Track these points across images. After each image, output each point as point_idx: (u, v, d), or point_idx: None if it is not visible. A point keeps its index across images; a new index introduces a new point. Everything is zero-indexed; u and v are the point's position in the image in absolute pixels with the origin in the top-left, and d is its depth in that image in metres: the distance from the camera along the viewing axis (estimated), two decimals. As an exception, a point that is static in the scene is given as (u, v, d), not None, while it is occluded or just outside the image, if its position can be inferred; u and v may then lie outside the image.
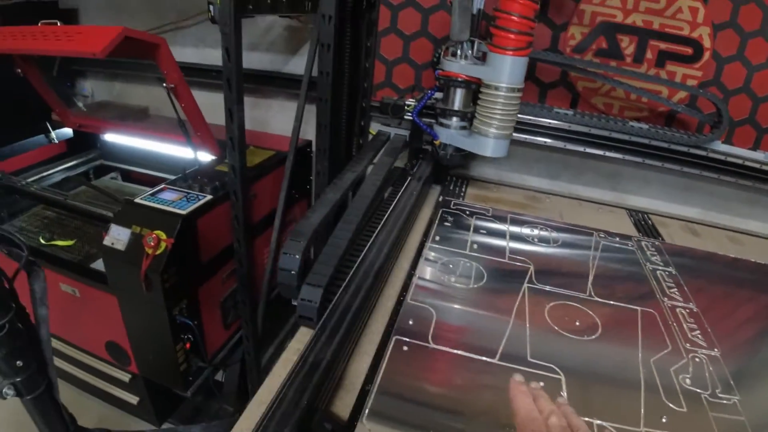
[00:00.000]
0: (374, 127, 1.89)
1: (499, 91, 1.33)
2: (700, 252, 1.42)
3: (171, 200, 1.57)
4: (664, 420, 0.83)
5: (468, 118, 1.45)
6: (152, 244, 1.41)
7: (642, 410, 0.84)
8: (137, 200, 1.54)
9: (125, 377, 1.76)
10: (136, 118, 2.34)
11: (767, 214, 1.88)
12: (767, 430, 0.84)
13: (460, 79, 1.40)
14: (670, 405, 0.87)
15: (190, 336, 1.58)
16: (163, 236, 1.43)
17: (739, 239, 1.72)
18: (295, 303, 1.00)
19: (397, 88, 1.95)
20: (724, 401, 0.90)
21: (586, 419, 0.80)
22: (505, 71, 1.30)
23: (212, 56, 2.18)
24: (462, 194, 1.63)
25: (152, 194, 1.59)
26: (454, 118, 1.46)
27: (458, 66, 1.39)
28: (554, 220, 1.46)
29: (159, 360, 1.62)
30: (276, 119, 2.30)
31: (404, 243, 1.26)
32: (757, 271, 1.39)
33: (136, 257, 1.42)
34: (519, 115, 1.56)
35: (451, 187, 1.68)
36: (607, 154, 1.67)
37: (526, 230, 1.37)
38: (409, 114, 1.58)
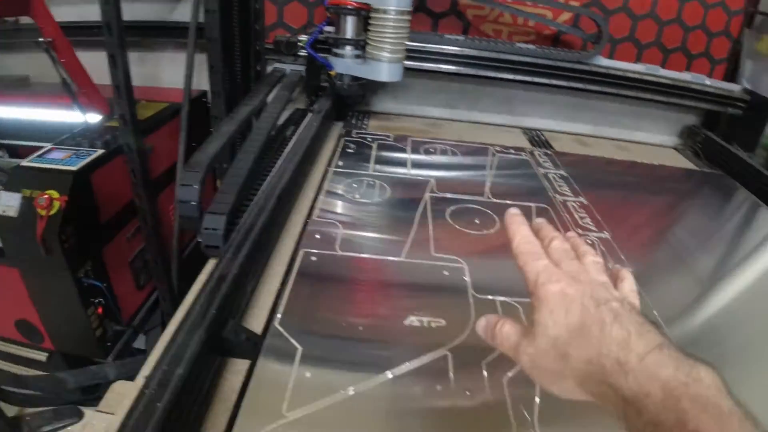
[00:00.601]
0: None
1: (388, 14, 1.34)
2: (587, 157, 1.53)
3: (60, 159, 1.48)
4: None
5: (361, 46, 1.44)
6: (44, 204, 1.33)
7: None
8: (24, 163, 1.44)
9: (41, 356, 1.66)
10: (17, 88, 2.14)
11: (652, 125, 2.03)
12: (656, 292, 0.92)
13: (349, 6, 1.39)
14: (563, 278, 0.92)
15: (100, 299, 1.51)
16: (56, 195, 1.36)
17: (626, 147, 1.86)
18: (200, 239, 0.97)
19: (290, 27, 1.90)
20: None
21: (489, 297, 0.86)
22: (392, -6, 1.30)
23: (90, 11, 2.02)
24: (364, 126, 1.64)
25: (40, 156, 1.49)
26: (348, 47, 1.45)
27: (346, -7, 1.37)
28: (453, 140, 1.50)
29: (72, 329, 1.54)
30: (167, 72, 2.19)
31: (308, 174, 1.26)
32: (638, 168, 1.57)
33: (30, 222, 1.33)
34: (413, 43, 1.58)
35: (354, 122, 1.68)
36: (499, 75, 1.72)
37: (426, 149, 1.41)
38: (304, 49, 1.55)
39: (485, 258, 0.96)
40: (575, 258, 0.46)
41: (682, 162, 1.81)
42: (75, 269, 1.41)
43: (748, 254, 1.15)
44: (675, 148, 1.99)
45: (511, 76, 1.73)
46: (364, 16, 1.43)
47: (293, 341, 0.71)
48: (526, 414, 0.64)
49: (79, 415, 0.79)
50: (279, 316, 0.77)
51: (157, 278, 1.73)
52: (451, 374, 0.69)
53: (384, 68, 1.39)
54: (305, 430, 0.59)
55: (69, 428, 0.78)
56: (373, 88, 1.87)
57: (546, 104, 1.99)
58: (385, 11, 1.34)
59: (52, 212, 1.34)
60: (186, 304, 0.77)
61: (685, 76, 1.87)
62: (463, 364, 0.71)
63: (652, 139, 2.04)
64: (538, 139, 1.75)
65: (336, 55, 1.50)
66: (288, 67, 1.69)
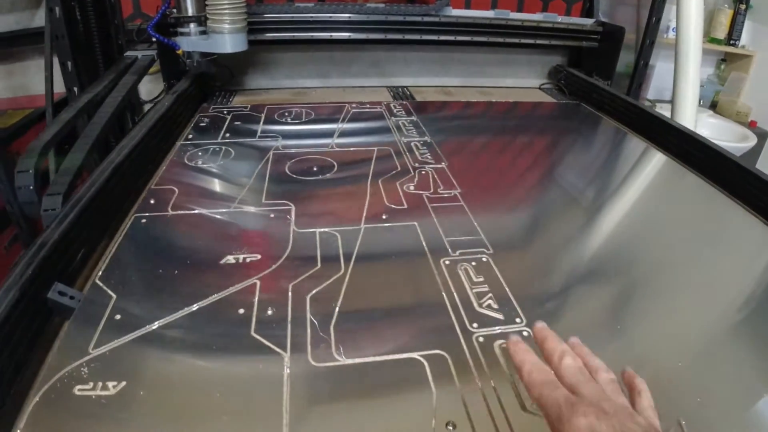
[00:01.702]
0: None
1: (222, -14, 1.35)
2: (445, 103, 1.60)
3: None
4: (384, 216, 0.95)
5: (203, 21, 1.45)
6: None
7: (364, 214, 0.95)
8: None
9: None
10: None
11: (519, 70, 2.13)
12: (480, 215, 1.01)
13: (184, -16, 1.39)
14: (391, 205, 0.99)
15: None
16: None
17: (490, 92, 1.95)
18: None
19: (147, 16, 1.89)
20: (445, 194, 1.04)
21: (311, 230, 0.91)
22: (220, -35, 1.32)
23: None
24: (228, 102, 1.65)
25: None
26: (191, 25, 1.46)
27: (178, -30, 1.38)
28: (311, 102, 1.54)
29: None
30: (36, 80, 2.11)
31: (157, 150, 1.26)
32: (492, 107, 1.66)
33: None
34: (267, 15, 1.65)
35: (219, 100, 1.68)
36: (353, 36, 1.77)
37: (280, 114, 1.46)
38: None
39: (313, 199, 1.00)
40: (591, 379, 0.43)
41: (545, 99, 1.91)
42: None
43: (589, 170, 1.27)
44: (539, 88, 2.08)
45: (363, 36, 1.78)
46: (201, -8, 1.44)
47: (109, 291, 0.74)
48: (321, 332, 0.70)
49: None
50: (100, 273, 0.79)
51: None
52: (256, 298, 0.73)
53: (227, 40, 1.42)
54: (107, 362, 0.63)
55: None
56: (239, 65, 1.89)
57: (414, 63, 2.05)
58: (217, -17, 1.35)
59: None
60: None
61: (536, 17, 1.97)
62: (270, 288, 0.75)
63: (521, 84, 2.13)
64: (401, 94, 1.80)
65: (181, 34, 1.50)
66: (139, 53, 1.67)
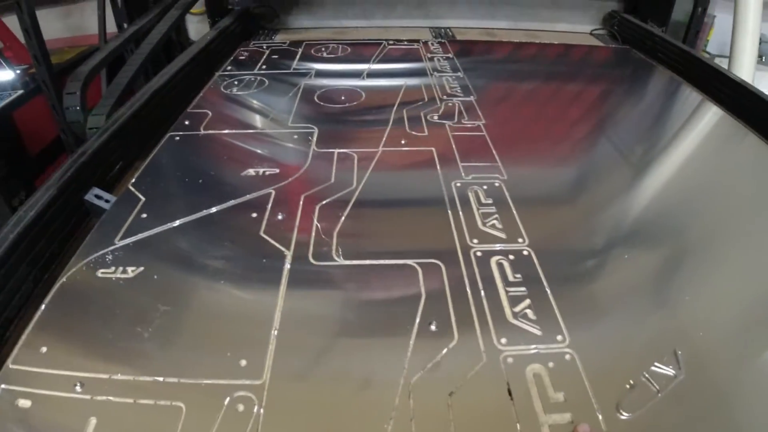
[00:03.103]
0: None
1: None
2: (480, 42, 1.58)
3: None
4: (403, 142, 0.97)
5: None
6: None
7: (383, 139, 0.97)
8: None
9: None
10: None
11: (572, 15, 2.02)
12: (501, 145, 0.99)
13: None
14: (412, 132, 1.01)
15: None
16: None
17: (536, 35, 1.88)
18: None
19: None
20: (469, 124, 1.04)
21: (329, 150, 0.95)
22: None
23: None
24: (271, 40, 1.68)
25: None
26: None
27: None
28: (350, 40, 1.56)
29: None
30: (92, 20, 2.21)
31: (198, 79, 1.31)
32: (529, 50, 1.61)
33: None
34: None
35: (261, 38, 1.72)
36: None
37: (317, 50, 1.48)
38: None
39: (337, 124, 1.04)
40: None
41: (595, 44, 1.82)
42: (9, 197, 1.51)
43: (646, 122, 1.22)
44: (591, 34, 1.99)
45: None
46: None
47: (139, 195, 0.80)
48: (324, 236, 0.73)
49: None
50: (133, 180, 0.85)
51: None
52: (270, 205, 0.77)
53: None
54: (129, 251, 0.70)
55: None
56: (286, 6, 1.91)
57: (460, 4, 2.01)
58: None
59: None
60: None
61: (591, -44, 1.87)
62: (283, 197, 0.79)
63: (572, 29, 2.03)
64: (443, 34, 1.78)
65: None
66: (186, -11, 1.72)
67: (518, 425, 0.48)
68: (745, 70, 1.64)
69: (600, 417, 0.48)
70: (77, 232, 0.81)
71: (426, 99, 1.14)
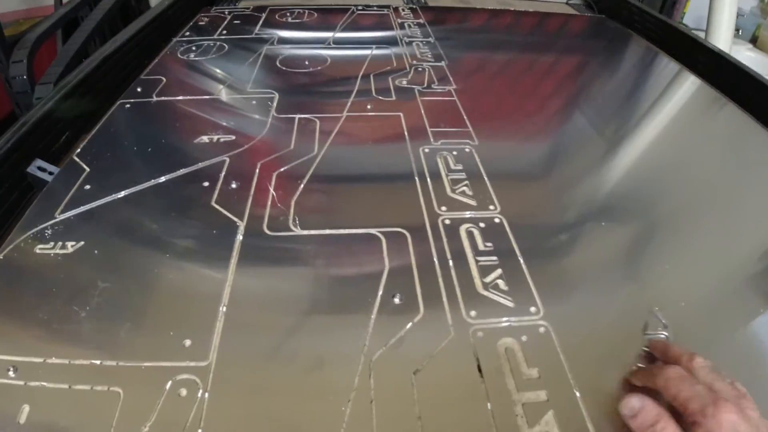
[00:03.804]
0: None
1: None
2: (454, 9, 1.53)
3: None
4: (369, 107, 0.91)
5: None
6: None
7: (348, 103, 0.91)
8: None
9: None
10: None
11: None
12: (472, 110, 0.95)
13: None
14: (378, 97, 0.95)
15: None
16: None
17: (510, 3, 1.82)
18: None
19: None
20: (439, 89, 0.99)
21: (290, 116, 0.88)
22: None
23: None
24: (233, 5, 1.60)
25: None
26: None
27: None
28: (316, 5, 1.48)
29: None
30: (50, -7, 2.10)
31: (153, 46, 1.23)
32: (502, 17, 1.56)
33: None
34: None
35: (225, 4, 1.63)
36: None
37: (282, 15, 1.40)
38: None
39: (298, 89, 0.98)
40: (723, 377, 0.42)
41: (570, 13, 1.76)
42: None
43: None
44: (567, 3, 1.95)
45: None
46: None
47: (84, 165, 0.74)
48: (280, 205, 0.69)
49: None
50: (79, 150, 0.78)
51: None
52: (223, 173, 0.72)
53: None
54: (69, 225, 0.64)
55: None
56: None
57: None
58: None
59: None
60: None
61: None
62: (238, 167, 0.73)
63: (550, -3, 1.98)
64: (416, 1, 1.71)
65: (182, -73, 1.43)
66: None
67: (489, 404, 0.44)
68: (722, 43, 1.62)
69: (578, 395, 0.44)
70: (19, 206, 0.74)
71: (395, 64, 1.08)
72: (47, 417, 0.44)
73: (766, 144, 0.87)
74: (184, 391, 0.44)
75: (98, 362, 0.48)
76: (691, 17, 2.64)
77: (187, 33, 1.27)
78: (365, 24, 1.34)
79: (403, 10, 1.46)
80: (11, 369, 0.47)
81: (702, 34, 1.73)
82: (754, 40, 2.66)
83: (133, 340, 0.49)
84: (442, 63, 1.11)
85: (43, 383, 0.46)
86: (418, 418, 0.43)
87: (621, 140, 0.91)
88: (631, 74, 1.21)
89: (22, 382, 0.47)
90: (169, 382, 0.45)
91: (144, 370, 0.46)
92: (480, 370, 0.46)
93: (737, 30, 2.65)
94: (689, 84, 1.10)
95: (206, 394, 0.44)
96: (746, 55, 2.45)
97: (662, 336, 0.50)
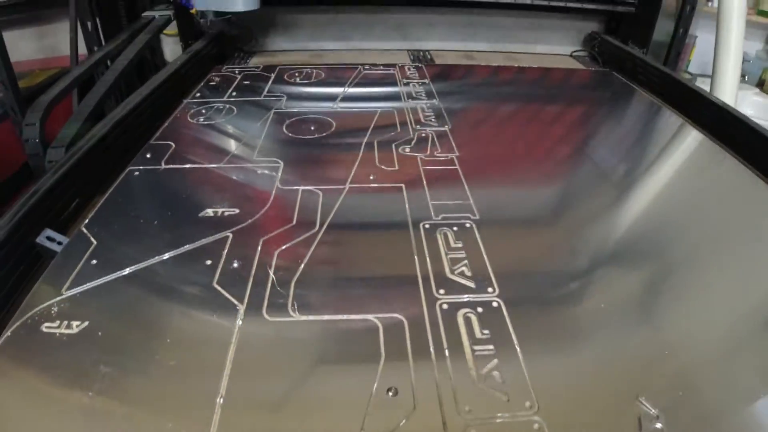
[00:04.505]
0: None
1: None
2: (458, 66, 1.56)
3: None
4: (371, 177, 0.93)
5: (217, -21, 1.44)
6: None
7: (351, 174, 0.93)
8: None
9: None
10: None
11: (552, 36, 2.02)
12: (474, 181, 0.96)
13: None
14: (381, 166, 0.97)
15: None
16: None
17: (517, 58, 1.87)
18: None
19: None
20: (441, 157, 1.01)
21: (294, 187, 0.91)
22: None
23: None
24: (245, 63, 1.65)
25: None
26: (205, -18, 1.45)
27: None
28: (325, 64, 1.52)
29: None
30: (66, 42, 2.17)
31: (164, 107, 1.27)
32: (507, 73, 1.60)
33: None
34: None
35: (236, 62, 1.68)
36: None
37: (290, 75, 1.44)
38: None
39: (304, 157, 1.00)
40: None
41: (576, 66, 1.82)
42: None
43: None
44: (571, 56, 1.99)
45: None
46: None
47: (91, 238, 0.76)
48: (279, 288, 0.69)
49: None
50: (86, 221, 0.80)
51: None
52: (225, 251, 0.73)
53: (239, -1, 1.40)
54: (75, 303, 0.65)
55: None
56: (263, 27, 1.87)
57: (439, 26, 2.00)
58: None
59: None
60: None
61: (568, -22, 1.86)
62: (241, 244, 0.75)
63: (552, 50, 2.03)
64: (421, 57, 1.76)
65: (197, -7, 1.50)
66: (156, 14, 1.68)
67: None
68: (728, 90, 1.64)
69: None
70: (28, 278, 0.76)
71: (399, 129, 1.11)
72: None
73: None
74: None
75: (96, 452, 0.48)
76: (696, 63, 2.67)
77: (198, 94, 1.31)
78: (372, 84, 1.37)
79: (409, 68, 1.49)
80: None
81: (708, 81, 1.76)
82: (761, 84, 2.69)
83: (133, 429, 0.49)
84: (445, 127, 1.13)
85: None
86: None
87: (624, 196, 0.95)
88: (635, 129, 1.26)
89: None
90: None
91: None
92: None
93: (743, 75, 2.69)
94: (691, 138, 1.14)
95: None
96: (753, 100, 2.47)
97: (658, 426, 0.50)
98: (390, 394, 0.53)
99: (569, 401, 0.54)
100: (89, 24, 1.56)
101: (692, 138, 1.15)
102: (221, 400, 0.52)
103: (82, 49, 2.01)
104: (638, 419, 0.51)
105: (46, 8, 2.11)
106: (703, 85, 1.64)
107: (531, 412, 0.52)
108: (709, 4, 2.28)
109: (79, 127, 1.06)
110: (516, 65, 1.66)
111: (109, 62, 1.51)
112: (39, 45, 2.30)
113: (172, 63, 1.42)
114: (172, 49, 2.13)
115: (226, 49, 1.73)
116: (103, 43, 1.68)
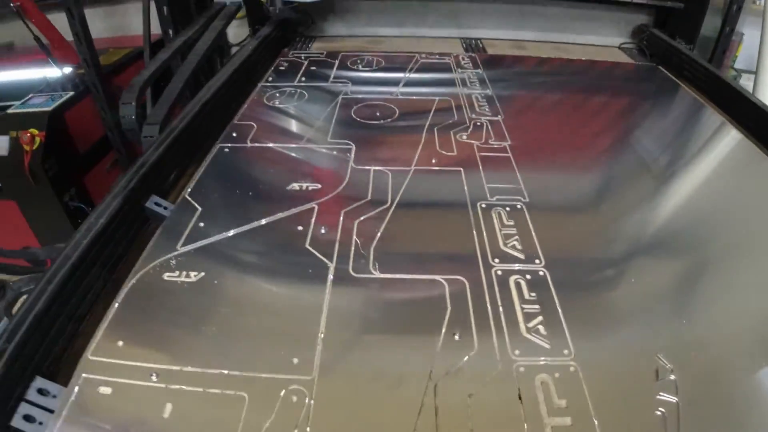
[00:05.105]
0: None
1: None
2: (509, 57, 1.65)
3: (38, 103, 1.70)
4: (433, 161, 1.06)
5: (288, -30, 1.57)
6: (27, 140, 1.56)
7: (416, 157, 1.06)
8: (9, 111, 1.67)
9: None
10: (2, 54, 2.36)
11: (601, 27, 2.06)
12: (525, 167, 1.07)
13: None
14: (442, 152, 1.10)
15: (86, 220, 1.75)
16: (36, 132, 1.58)
17: (565, 48, 1.94)
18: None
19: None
20: (495, 145, 1.13)
21: (366, 167, 1.04)
22: None
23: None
24: (307, 48, 1.78)
25: (22, 103, 1.72)
26: (276, -27, 1.58)
27: None
28: (383, 51, 1.66)
29: (66, 250, 1.79)
30: (133, 21, 2.34)
31: (242, 89, 1.42)
32: (556, 65, 1.68)
33: (19, 157, 1.59)
34: None
35: (298, 46, 1.82)
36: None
37: (353, 62, 1.57)
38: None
39: (372, 141, 1.13)
40: None
41: (623, 59, 1.87)
42: (60, 194, 1.65)
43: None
44: (619, 47, 2.04)
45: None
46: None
47: (195, 204, 0.91)
48: (362, 251, 0.82)
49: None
50: (189, 190, 0.96)
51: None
52: (313, 219, 0.87)
53: (309, -14, 1.53)
54: (189, 257, 0.80)
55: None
56: (320, 13, 2.00)
57: (491, 14, 2.07)
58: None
59: (35, 147, 1.58)
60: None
61: (620, -28, 1.92)
62: (325, 212, 0.89)
63: (601, 42, 2.08)
64: (473, 46, 1.86)
65: (266, -17, 1.63)
66: (228, 0, 1.83)
67: (525, 425, 0.57)
68: (769, 85, 1.68)
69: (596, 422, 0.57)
70: (139, 236, 0.92)
71: (456, 118, 1.22)
72: (186, 413, 0.59)
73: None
74: (294, 398, 0.59)
75: (226, 372, 0.63)
76: (743, 59, 2.68)
77: (270, 78, 1.45)
78: (429, 75, 1.49)
79: (463, 58, 1.60)
80: (154, 375, 0.62)
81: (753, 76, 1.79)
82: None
83: (253, 356, 0.64)
84: (498, 117, 1.24)
85: (182, 386, 0.62)
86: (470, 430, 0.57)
87: (661, 191, 1.05)
88: (676, 125, 1.35)
89: (163, 385, 0.62)
90: (283, 391, 0.60)
91: (263, 380, 0.62)
92: (520, 398, 0.60)
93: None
94: (730, 138, 1.21)
95: (312, 401, 0.59)
96: None
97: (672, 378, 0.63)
98: (456, 337, 0.66)
99: (600, 351, 0.67)
100: (165, 8, 1.70)
101: (731, 137, 1.22)
102: (322, 335, 0.67)
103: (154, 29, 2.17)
104: (656, 371, 0.64)
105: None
106: (749, 81, 1.69)
107: (568, 358, 0.65)
108: (758, 2, 2.29)
109: (166, 111, 1.20)
110: (565, 57, 1.73)
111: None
112: (108, 24, 2.46)
113: (244, 49, 1.56)
114: (235, 32, 2.28)
115: (289, 34, 1.86)
116: (176, 25, 1.82)
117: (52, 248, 1.24)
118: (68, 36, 1.88)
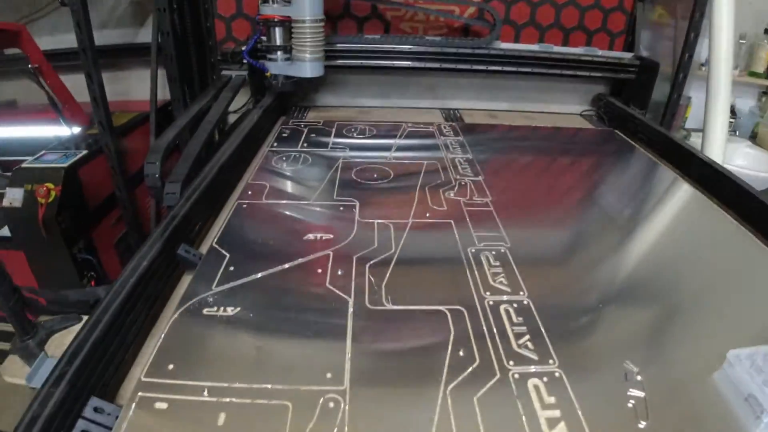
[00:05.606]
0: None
1: (306, 23, 1.69)
2: (484, 125, 1.88)
3: (53, 159, 1.84)
4: (427, 215, 1.23)
5: (289, 50, 1.79)
6: (44, 194, 1.68)
7: (412, 212, 1.24)
8: (24, 165, 1.79)
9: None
10: (5, 110, 2.49)
11: (564, 97, 2.33)
12: (505, 217, 1.26)
13: (275, 19, 1.74)
14: (434, 207, 1.27)
15: (92, 273, 1.86)
16: (52, 186, 1.71)
17: (532, 116, 2.19)
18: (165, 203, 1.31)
19: (237, 40, 2.25)
20: (479, 201, 1.31)
21: (370, 221, 1.19)
22: (306, 7, 1.66)
23: (68, 40, 2.36)
24: (303, 117, 1.98)
25: (36, 158, 1.84)
26: (279, 52, 1.80)
27: (271, 9, 1.73)
28: (373, 120, 1.86)
29: (70, 300, 1.88)
30: (137, 88, 2.53)
31: (251, 154, 1.59)
32: (526, 131, 1.91)
33: (32, 210, 1.69)
34: (340, 45, 1.97)
35: (296, 114, 2.02)
36: (413, 65, 2.07)
37: (347, 130, 1.76)
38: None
39: (373, 198, 1.29)
40: None
41: (584, 125, 2.13)
42: (70, 246, 1.76)
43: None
44: (580, 115, 2.30)
45: (421, 65, 2.07)
46: (289, 27, 1.78)
47: (223, 251, 1.05)
48: (375, 288, 0.97)
49: (79, 319, 1.13)
50: (216, 238, 1.11)
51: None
52: (330, 263, 1.02)
53: (308, 66, 1.74)
54: (225, 295, 0.93)
55: (71, 327, 1.13)
56: (313, 85, 2.22)
57: (465, 88, 2.32)
58: (303, 21, 1.69)
59: (50, 200, 1.70)
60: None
61: (577, 50, 2.20)
62: (340, 258, 1.04)
63: (563, 110, 2.34)
64: (452, 116, 2.09)
65: (270, 59, 1.84)
66: (233, 73, 2.03)
67: (524, 417, 0.72)
68: (716, 147, 1.92)
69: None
70: (172, 279, 1.05)
71: (443, 178, 1.41)
72: (239, 421, 0.70)
73: (752, 246, 1.17)
74: (331, 404, 0.73)
75: (269, 386, 0.76)
76: (693, 119, 2.97)
77: (275, 143, 1.63)
78: (416, 141, 1.69)
79: (444, 127, 1.82)
80: (205, 390, 0.75)
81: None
82: (753, 137, 2.93)
83: (292, 373, 0.77)
84: (479, 178, 1.43)
85: (232, 399, 0.74)
86: (480, 423, 0.71)
87: (624, 240, 1.21)
88: (635, 181, 1.56)
89: (215, 399, 0.74)
90: (321, 399, 0.73)
91: (303, 391, 0.75)
92: (517, 398, 0.75)
93: (735, 130, 2.99)
94: (683, 191, 1.43)
95: (346, 407, 0.73)
96: (745, 152, 2.68)
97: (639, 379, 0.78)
98: (461, 353, 0.81)
99: (579, 359, 0.82)
100: (176, 77, 1.89)
101: (683, 191, 1.44)
102: (349, 354, 0.81)
103: (144, 95, 2.34)
104: (624, 373, 0.80)
105: (120, 57, 2.45)
106: (697, 138, 1.93)
107: (554, 365, 0.80)
108: (702, 68, 2.59)
109: (187, 171, 1.37)
110: (533, 124, 1.98)
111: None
112: (111, 89, 2.64)
113: (250, 116, 1.74)
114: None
115: (286, 103, 2.06)
116: (183, 93, 2.01)
117: (82, 292, 1.36)
118: (77, 98, 2.04)
